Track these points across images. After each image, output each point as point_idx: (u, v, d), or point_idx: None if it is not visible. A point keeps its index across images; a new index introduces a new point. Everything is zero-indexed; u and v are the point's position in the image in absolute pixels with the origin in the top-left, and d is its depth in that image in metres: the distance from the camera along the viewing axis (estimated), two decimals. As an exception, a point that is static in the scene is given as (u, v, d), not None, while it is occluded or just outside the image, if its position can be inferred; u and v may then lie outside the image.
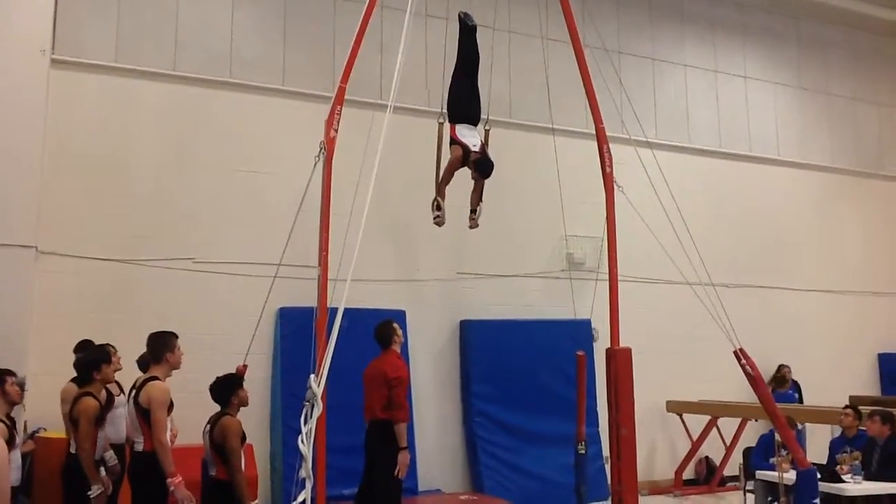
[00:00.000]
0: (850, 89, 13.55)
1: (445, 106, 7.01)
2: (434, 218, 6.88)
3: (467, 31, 7.12)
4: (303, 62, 9.42)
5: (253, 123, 9.06)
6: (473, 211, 7.17)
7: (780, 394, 10.76)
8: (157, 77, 8.69)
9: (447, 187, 6.96)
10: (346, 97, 6.34)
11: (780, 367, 11.33)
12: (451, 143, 6.84)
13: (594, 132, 7.40)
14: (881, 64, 13.92)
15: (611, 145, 7.37)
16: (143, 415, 5.24)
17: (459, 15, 7.23)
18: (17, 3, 7.72)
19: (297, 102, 9.21)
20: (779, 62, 12.98)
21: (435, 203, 6.87)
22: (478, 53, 7.08)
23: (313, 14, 9.55)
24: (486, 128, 7.30)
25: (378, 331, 6.66)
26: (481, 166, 6.76)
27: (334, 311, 4.93)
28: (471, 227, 7.24)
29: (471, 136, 6.80)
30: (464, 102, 6.91)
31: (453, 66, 7.11)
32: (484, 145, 6.96)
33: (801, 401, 11.24)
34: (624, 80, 9.22)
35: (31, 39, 7.72)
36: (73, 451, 5.57)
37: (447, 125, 6.97)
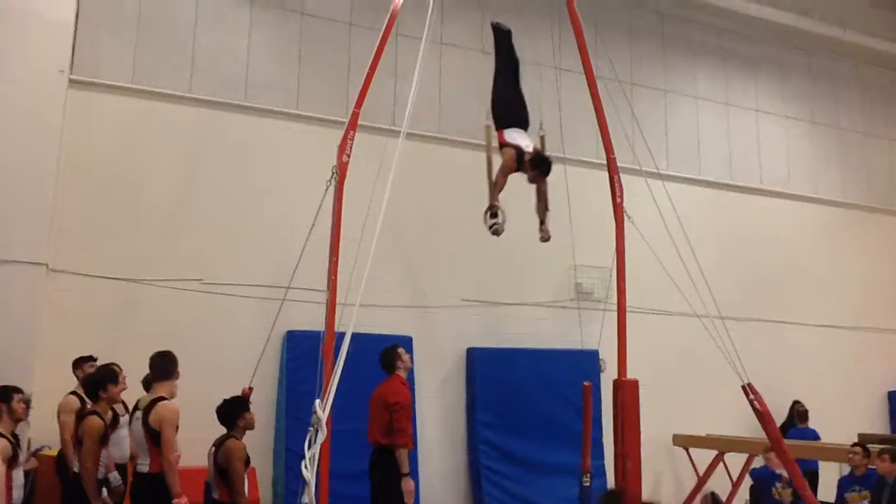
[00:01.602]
0: (861, 124, 13.57)
1: (490, 112, 6.74)
2: (491, 227, 6.42)
3: (503, 37, 6.93)
4: (317, 87, 9.50)
5: (266, 147, 9.11)
6: (542, 222, 6.81)
7: (800, 430, 10.60)
8: (173, 99, 8.77)
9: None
10: (359, 122, 6.39)
11: (796, 402, 11.14)
12: (500, 148, 6.50)
13: (605, 163, 7.43)
14: (892, 99, 13.94)
15: (622, 176, 7.39)
16: (152, 435, 5.21)
17: (492, 24, 7.08)
18: (38, 23, 7.83)
19: (310, 127, 9.27)
20: (790, 96, 13.01)
21: (489, 211, 6.41)
22: (517, 57, 6.84)
23: (329, 39, 9.64)
24: (541, 133, 7.10)
25: (383, 356, 6.65)
26: (540, 163, 6.39)
27: (342, 335, 4.94)
28: (542, 240, 6.87)
29: (522, 138, 6.49)
30: (510, 106, 6.65)
31: (493, 73, 6.90)
32: (538, 148, 6.63)
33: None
34: (636, 112, 9.25)
35: (50, 59, 7.82)
36: (76, 469, 5.56)
37: (494, 132, 6.67)
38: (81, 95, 8.24)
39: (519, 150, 6.38)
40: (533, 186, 6.71)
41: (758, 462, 9.96)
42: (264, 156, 9.08)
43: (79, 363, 6.80)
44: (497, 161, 6.63)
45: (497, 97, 6.75)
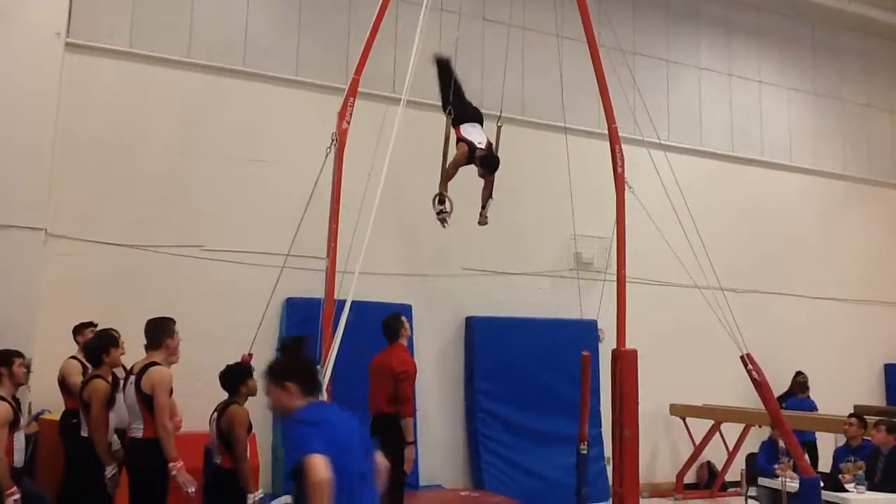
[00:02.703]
0: (864, 96, 13.48)
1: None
2: (437, 214, 6.80)
3: (443, 65, 7.23)
4: (317, 53, 9.41)
5: (265, 113, 9.05)
6: (483, 207, 7.18)
7: (798, 400, 10.62)
8: (171, 64, 8.69)
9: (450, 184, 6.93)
10: (359, 89, 6.33)
11: (798, 373, 11.09)
12: (457, 142, 6.84)
13: (607, 132, 7.38)
14: (895, 71, 13.84)
15: (623, 146, 7.34)
16: (145, 400, 5.20)
17: (434, 56, 7.28)
18: (34, -15, 7.73)
19: (310, 93, 9.20)
20: (793, 67, 12.92)
21: (437, 198, 6.78)
22: (457, 80, 7.14)
23: (329, 5, 9.53)
24: (498, 124, 7.28)
25: (386, 324, 6.64)
26: (487, 162, 6.77)
27: (341, 303, 4.93)
28: (480, 224, 7.24)
29: (476, 134, 6.80)
30: (461, 110, 6.95)
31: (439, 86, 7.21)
32: (490, 143, 6.94)
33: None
34: (638, 81, 9.18)
35: (47, 22, 7.72)
36: (84, 434, 5.59)
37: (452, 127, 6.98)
38: (78, 59, 8.17)
39: (471, 146, 6.71)
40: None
41: (754, 433, 10.08)
42: (264, 122, 9.03)
43: (79, 329, 6.83)
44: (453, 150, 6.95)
45: (450, 102, 7.03)
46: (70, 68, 8.02)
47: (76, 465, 5.69)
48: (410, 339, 7.53)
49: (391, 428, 6.21)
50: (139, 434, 5.25)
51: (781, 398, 10.36)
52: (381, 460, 3.52)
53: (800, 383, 10.86)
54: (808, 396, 10.79)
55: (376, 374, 6.44)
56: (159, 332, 5.47)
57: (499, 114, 7.27)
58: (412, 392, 6.34)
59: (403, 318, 6.70)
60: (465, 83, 9.91)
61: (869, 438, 7.55)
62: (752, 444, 9.75)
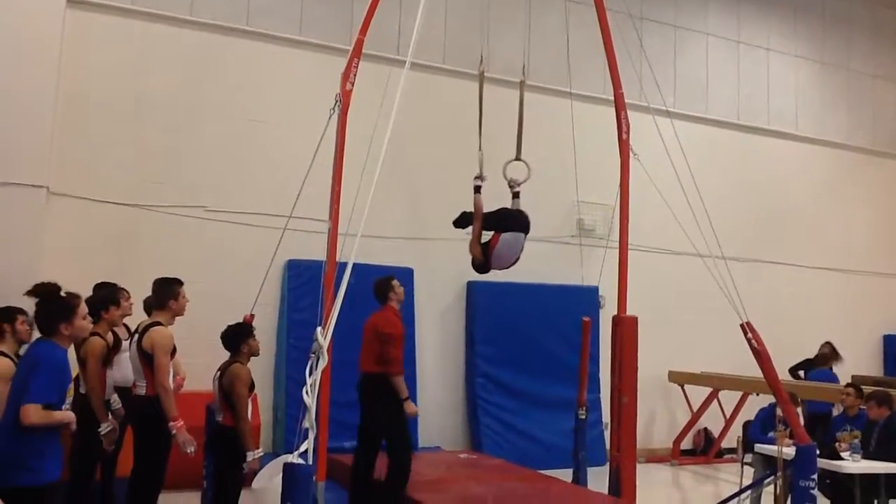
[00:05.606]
0: (872, 66, 13.37)
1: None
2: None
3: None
4: (321, 13, 9.32)
5: (269, 73, 8.99)
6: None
7: (820, 372, 10.54)
8: (174, 22, 8.62)
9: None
10: (363, 51, 6.26)
11: (826, 343, 10.75)
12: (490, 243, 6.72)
13: (612, 98, 7.32)
14: (905, 42, 13.71)
15: (628, 112, 7.28)
16: (146, 359, 5.30)
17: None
18: (35, -60, 7.62)
19: (313, 54, 9.13)
20: (802, 35, 12.78)
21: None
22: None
23: (333, -36, 9.41)
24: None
25: (376, 286, 6.67)
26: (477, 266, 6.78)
27: (343, 265, 4.92)
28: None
29: (505, 256, 6.74)
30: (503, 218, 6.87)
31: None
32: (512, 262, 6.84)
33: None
34: (645, 47, 9.08)
35: (49, -23, 7.64)
36: (82, 391, 5.63)
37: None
38: (80, 16, 8.10)
39: (484, 258, 6.68)
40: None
41: (752, 401, 10.13)
42: (267, 82, 8.97)
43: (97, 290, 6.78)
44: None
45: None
46: (72, 25, 7.94)
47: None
48: (411, 303, 7.55)
49: (377, 387, 6.31)
50: (142, 391, 5.38)
51: (806, 367, 10.36)
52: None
53: (824, 354, 10.61)
54: (831, 368, 10.51)
55: (366, 334, 6.52)
56: (164, 293, 5.53)
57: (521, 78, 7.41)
58: (399, 352, 6.38)
59: (394, 282, 6.70)
60: (470, 45, 9.91)
61: (865, 408, 7.60)
62: (750, 411, 9.81)
